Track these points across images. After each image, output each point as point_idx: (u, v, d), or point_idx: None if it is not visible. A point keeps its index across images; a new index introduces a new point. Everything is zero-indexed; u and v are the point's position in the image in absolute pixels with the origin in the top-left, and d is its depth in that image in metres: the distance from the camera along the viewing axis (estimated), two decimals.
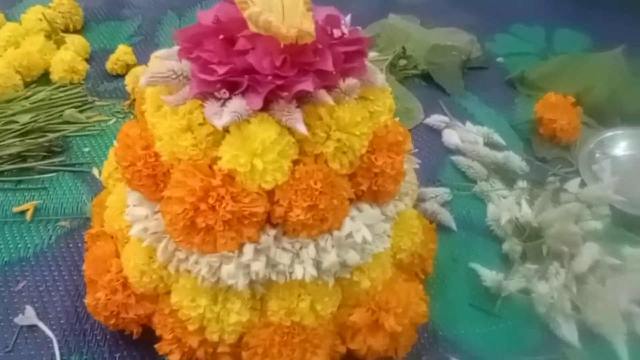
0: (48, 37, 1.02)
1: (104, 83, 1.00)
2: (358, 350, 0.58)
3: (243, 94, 0.50)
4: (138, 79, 0.93)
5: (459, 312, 0.70)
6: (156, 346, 0.58)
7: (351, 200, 0.55)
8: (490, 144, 0.92)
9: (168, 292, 0.57)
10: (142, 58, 1.04)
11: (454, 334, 0.68)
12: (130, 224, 0.58)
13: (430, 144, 0.94)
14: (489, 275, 0.71)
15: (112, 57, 1.01)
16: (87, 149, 0.86)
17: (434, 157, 0.91)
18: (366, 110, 0.54)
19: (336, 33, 0.54)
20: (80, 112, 0.92)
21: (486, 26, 1.26)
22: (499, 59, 1.17)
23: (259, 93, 0.49)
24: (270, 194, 0.51)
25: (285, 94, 0.49)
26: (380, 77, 0.56)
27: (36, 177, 0.81)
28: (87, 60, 1.03)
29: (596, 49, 1.18)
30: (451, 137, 0.93)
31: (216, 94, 0.50)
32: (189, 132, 0.51)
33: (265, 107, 0.51)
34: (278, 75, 0.49)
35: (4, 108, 0.88)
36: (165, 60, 0.55)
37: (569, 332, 0.67)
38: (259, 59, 0.49)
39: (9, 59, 0.94)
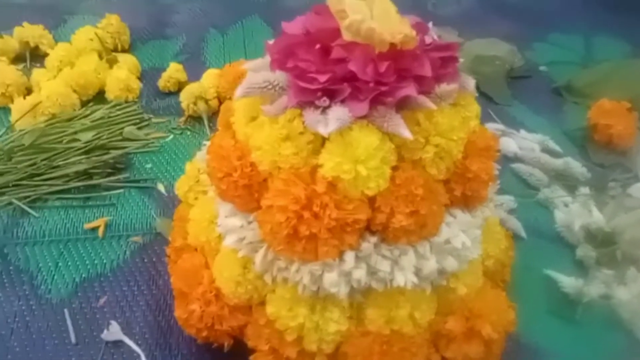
0: (100, 56, 1.04)
1: (156, 100, 1.01)
2: (454, 358, 0.58)
3: (342, 101, 0.50)
4: (192, 95, 0.95)
5: (538, 320, 0.69)
6: (250, 358, 0.57)
7: (445, 206, 0.55)
8: (547, 151, 0.92)
9: (262, 303, 0.57)
10: (191, 75, 1.05)
11: (535, 342, 0.67)
12: (221, 235, 0.58)
13: None
14: (568, 282, 0.71)
15: (164, 75, 1.02)
16: (149, 165, 0.87)
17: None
18: (460, 116, 0.54)
19: (427, 39, 0.54)
20: (139, 129, 0.92)
21: (524, 36, 1.27)
22: (542, 68, 1.18)
23: (361, 100, 0.49)
24: (370, 201, 0.51)
25: (389, 99, 0.49)
26: (471, 83, 0.56)
27: (104, 193, 0.81)
28: (139, 79, 1.04)
29: (636, 55, 1.19)
30: (509, 144, 0.93)
31: (317, 102, 0.50)
32: (289, 141, 0.51)
33: (364, 115, 0.51)
34: (380, 82, 0.49)
35: (65, 126, 0.89)
36: (257, 71, 0.56)
37: None
38: (361, 66, 0.49)
39: (65, 79, 0.95)
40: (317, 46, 0.52)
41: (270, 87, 0.53)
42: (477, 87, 1.06)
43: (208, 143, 0.66)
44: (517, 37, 1.25)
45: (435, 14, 1.40)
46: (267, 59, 0.57)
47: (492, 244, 0.62)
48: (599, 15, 1.32)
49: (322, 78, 0.50)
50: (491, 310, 0.57)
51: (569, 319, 0.69)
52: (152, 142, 0.91)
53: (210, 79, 0.97)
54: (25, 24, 1.08)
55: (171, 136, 0.93)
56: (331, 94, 0.51)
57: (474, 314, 0.57)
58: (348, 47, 0.51)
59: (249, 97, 0.54)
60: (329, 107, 0.50)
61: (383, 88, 0.49)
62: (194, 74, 1.03)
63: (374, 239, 0.52)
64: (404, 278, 0.52)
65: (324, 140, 0.51)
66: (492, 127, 0.96)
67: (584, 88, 1.08)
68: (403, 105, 0.52)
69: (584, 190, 0.85)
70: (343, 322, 0.54)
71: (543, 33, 1.30)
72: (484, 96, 1.08)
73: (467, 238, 0.54)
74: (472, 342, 0.57)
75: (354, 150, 0.49)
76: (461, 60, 0.56)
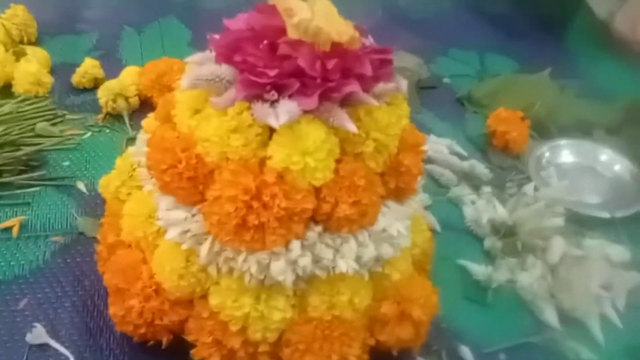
0: (5, 48, 0.96)
1: (70, 97, 0.96)
2: (386, 341, 0.62)
3: (290, 96, 0.53)
4: (112, 92, 0.92)
5: (456, 305, 0.75)
6: (192, 351, 0.57)
7: (381, 197, 0.59)
8: (454, 154, 1.01)
9: (204, 296, 0.57)
10: (108, 72, 1.01)
11: (455, 325, 0.73)
12: (160, 228, 0.57)
13: None
14: (478, 270, 0.78)
15: (79, 71, 0.98)
16: (66, 163, 0.82)
17: None
18: (395, 113, 0.59)
19: (366, 42, 0.58)
20: (53, 125, 0.87)
21: (427, 50, 1.38)
22: (445, 80, 1.28)
23: (309, 95, 0.52)
24: (316, 191, 0.54)
25: (335, 95, 0.52)
26: (404, 84, 0.61)
27: (17, 192, 0.76)
28: (50, 73, 0.98)
29: (522, 71, 1.34)
30: None
31: (265, 95, 0.52)
32: (238, 133, 0.52)
33: (310, 110, 0.53)
34: (327, 78, 0.52)
35: None
36: (201, 65, 0.56)
37: (550, 316, 0.75)
38: (309, 62, 0.52)
39: None
40: (265, 42, 0.54)
41: (217, 79, 0.54)
42: None
43: (142, 137, 0.65)
44: (421, 51, 1.34)
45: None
46: (209, 53, 0.58)
47: (418, 235, 0.67)
48: (491, 34, 1.47)
49: (272, 72, 0.52)
50: (419, 295, 0.62)
51: (481, 303, 0.76)
52: (69, 139, 0.86)
53: (129, 76, 0.95)
54: None
55: (89, 133, 0.89)
56: (280, 89, 0.53)
57: (405, 298, 0.61)
58: (294, 45, 0.53)
59: (193, 89, 0.55)
60: (277, 100, 0.52)
61: (330, 84, 0.52)
62: (110, 71, 1.00)
63: (318, 228, 0.55)
64: (345, 265, 0.55)
65: (271, 133, 0.53)
66: None
67: (482, 99, 1.19)
68: (346, 102, 0.55)
69: (487, 189, 0.93)
70: (287, 310, 0.56)
71: (444, 48, 1.41)
72: None
73: (402, 227, 0.59)
74: (404, 325, 0.61)
75: (303, 143, 0.52)
76: None
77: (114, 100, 0.91)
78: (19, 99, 0.90)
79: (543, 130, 1.10)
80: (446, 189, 0.94)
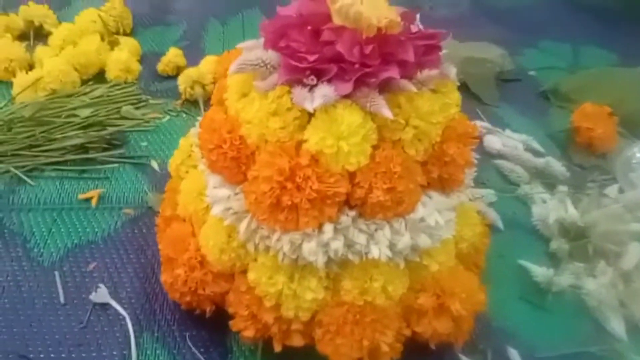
0: (102, 38, 1.06)
1: (155, 83, 1.04)
2: (423, 332, 0.61)
3: (329, 81, 0.53)
4: (190, 80, 0.98)
5: (510, 305, 0.72)
6: (230, 322, 0.60)
7: (422, 187, 0.58)
8: (530, 151, 0.96)
9: (244, 271, 0.60)
10: (190, 61, 1.08)
11: (507, 325, 0.70)
12: (208, 205, 0.61)
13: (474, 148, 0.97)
14: (539, 271, 0.74)
15: (164, 59, 1.05)
16: (144, 144, 0.90)
17: (477, 160, 0.94)
18: (440, 101, 0.57)
19: (413, 28, 0.57)
20: (136, 109, 0.95)
21: (515, 41, 1.31)
22: (531, 72, 1.22)
23: (347, 80, 0.53)
24: (350, 176, 0.54)
25: (372, 80, 0.52)
26: (452, 71, 0.59)
27: (98, 167, 0.84)
28: (139, 62, 1.07)
29: (621, 64, 1.23)
30: (493, 142, 0.96)
31: (305, 80, 0.53)
32: (277, 116, 0.54)
33: (349, 95, 0.54)
34: (365, 64, 0.52)
35: (64, 102, 0.91)
36: (251, 50, 0.58)
37: (617, 326, 0.70)
38: (347, 47, 0.52)
39: (67, 57, 0.98)
40: (309, 28, 0.55)
41: (262, 64, 0.56)
42: (467, 88, 1.13)
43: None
44: (508, 43, 1.28)
45: (431, 16, 1.43)
46: (261, 40, 0.60)
47: (466, 228, 0.65)
48: (587, 25, 1.36)
49: (311, 57, 0.53)
50: (461, 289, 0.60)
51: (539, 306, 0.72)
52: (148, 122, 0.93)
53: (208, 65, 1.00)
54: (30, 3, 1.11)
55: (167, 117, 0.96)
56: (319, 74, 0.54)
57: (444, 291, 0.60)
58: (337, 31, 0.54)
59: (241, 73, 0.58)
60: (316, 85, 0.53)
61: (367, 69, 0.52)
62: (193, 60, 1.06)
63: (352, 213, 0.55)
64: (378, 251, 0.55)
65: (310, 117, 0.54)
66: (479, 124, 1.00)
67: (569, 93, 1.12)
68: (386, 88, 0.55)
69: (563, 188, 0.88)
70: (319, 291, 0.57)
71: (533, 40, 1.34)
72: (473, 96, 1.12)
73: (441, 218, 0.57)
74: (442, 318, 0.60)
75: (338, 127, 0.52)
76: (446, 55, 0.59)
77: (192, 87, 0.98)
78: (110, 84, 0.99)
79: (635, 128, 1.01)
80: (515, 186, 0.90)
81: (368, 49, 0.52)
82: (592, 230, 0.78)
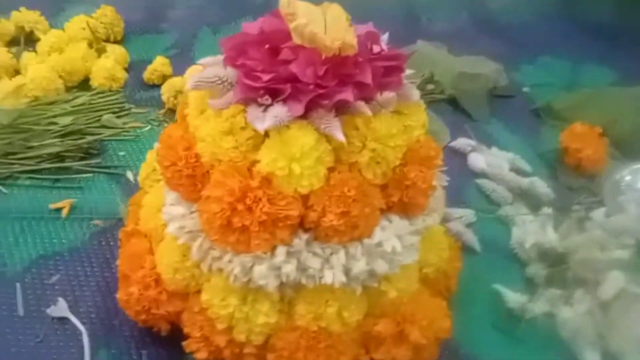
0: (90, 45, 1.07)
1: (140, 92, 1.04)
2: None
3: (285, 101, 0.52)
4: (174, 89, 0.98)
5: (480, 333, 0.70)
6: (183, 343, 0.59)
7: (382, 211, 0.57)
8: (516, 170, 0.93)
9: (199, 291, 0.59)
10: (178, 70, 1.07)
11: (475, 354, 0.68)
12: (166, 222, 0.60)
13: (456, 166, 0.95)
14: (512, 297, 0.72)
15: (150, 68, 1.05)
16: (122, 153, 0.89)
17: (459, 179, 0.92)
18: (401, 124, 0.56)
19: (375, 49, 0.56)
20: (118, 117, 0.95)
21: (513, 56, 1.29)
22: (525, 89, 1.19)
23: (301, 101, 0.51)
24: (304, 198, 0.53)
25: (325, 102, 0.51)
26: (415, 93, 0.57)
27: (73, 176, 0.83)
28: (126, 70, 1.07)
29: (621, 84, 1.20)
30: (477, 160, 0.94)
31: (259, 99, 0.52)
32: (230, 135, 0.53)
33: (305, 116, 0.53)
34: (320, 85, 0.51)
35: (45, 110, 0.91)
36: (211, 66, 0.58)
37: (592, 358, 0.67)
38: (302, 68, 0.51)
39: (52, 64, 0.98)
40: (266, 46, 0.54)
41: (219, 82, 0.55)
42: (457, 103, 1.11)
43: None
44: (505, 58, 1.26)
45: (428, 28, 1.42)
46: (222, 56, 0.59)
47: (432, 253, 0.63)
48: (588, 43, 1.33)
49: (266, 77, 0.52)
50: (423, 315, 0.58)
51: (511, 334, 0.70)
52: (128, 131, 0.93)
53: (193, 74, 1.00)
54: (22, 8, 1.11)
55: (149, 127, 0.95)
56: (274, 93, 0.52)
57: (404, 318, 0.58)
58: (296, 50, 0.53)
59: (199, 90, 0.57)
60: (271, 105, 0.52)
61: (321, 91, 0.51)
62: (181, 69, 1.05)
63: (305, 236, 0.54)
64: (332, 276, 0.54)
65: (265, 137, 0.53)
66: (463, 142, 0.98)
67: (562, 111, 1.09)
68: (344, 110, 0.54)
69: (546, 210, 0.85)
70: (272, 314, 0.56)
71: (532, 56, 1.32)
72: (462, 112, 1.10)
73: (399, 243, 0.56)
74: (401, 345, 0.58)
75: (290, 148, 0.51)
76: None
77: (175, 97, 0.97)
78: (94, 91, 0.99)
79: (627, 150, 0.98)
80: (497, 207, 0.87)
81: (322, 70, 0.51)
82: (572, 256, 0.76)
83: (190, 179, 0.56)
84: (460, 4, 1.51)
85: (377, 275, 0.56)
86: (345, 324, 0.57)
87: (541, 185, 0.89)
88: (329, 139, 0.53)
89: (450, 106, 1.11)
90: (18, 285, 0.67)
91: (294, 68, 0.51)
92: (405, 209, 0.58)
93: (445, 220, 0.81)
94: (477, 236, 0.81)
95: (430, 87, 1.12)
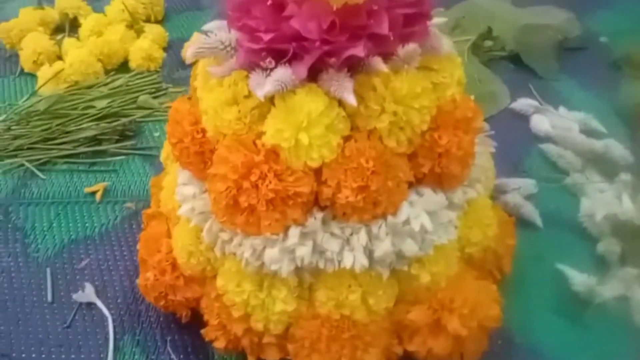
0: (130, 27, 1.05)
1: (179, 71, 1.01)
2: (416, 352, 0.52)
3: (289, 63, 0.46)
4: None
5: (541, 319, 0.61)
6: (202, 331, 0.56)
7: (411, 184, 0.49)
8: (588, 131, 0.81)
9: (215, 276, 0.55)
10: None
11: (534, 343, 0.59)
12: (180, 203, 0.56)
13: (517, 130, 0.84)
14: (579, 279, 0.62)
15: (187, 46, 1.02)
16: (157, 134, 0.87)
17: (520, 145, 0.82)
18: (428, 81, 0.48)
19: None
20: (155, 98, 0.93)
21: (587, 2, 1.13)
22: (602, 39, 1.04)
23: (305, 61, 0.45)
24: (317, 172, 0.47)
25: (332, 60, 0.44)
26: (445, 44, 0.49)
27: (108, 159, 0.82)
28: (165, 49, 1.05)
29: None
30: (541, 123, 0.83)
31: (262, 63, 0.46)
32: (234, 105, 0.48)
33: (315, 78, 0.46)
34: (326, 40, 0.44)
35: (84, 93, 0.91)
36: (215, 31, 0.52)
37: None
38: (304, 22, 0.44)
39: (91, 47, 0.98)
40: (269, 2, 0.48)
41: (222, 47, 0.50)
42: (520, 59, 0.99)
43: None
44: (578, 4, 1.11)
45: None
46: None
47: (476, 230, 0.55)
48: None
49: (266, 37, 0.46)
50: (463, 302, 0.51)
51: (576, 321, 0.60)
52: (165, 111, 0.90)
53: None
54: None
55: None
56: (279, 55, 0.46)
57: (442, 305, 0.51)
58: (302, 3, 0.46)
59: (199, 59, 0.52)
60: (275, 68, 0.46)
61: (326, 47, 0.44)
62: None
63: (321, 215, 0.48)
64: (352, 259, 0.48)
65: (271, 105, 0.47)
66: (525, 103, 0.87)
67: None
68: (360, 69, 0.47)
69: (625, 176, 0.73)
70: (290, 301, 0.51)
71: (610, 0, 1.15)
72: (526, 69, 0.98)
73: (430, 220, 0.48)
74: (439, 336, 0.51)
75: (296, 116, 0.45)
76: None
77: None
78: (132, 73, 0.97)
79: None
80: (564, 175, 0.76)
81: (326, 23, 0.44)
82: None
83: (199, 156, 0.52)
84: None
85: (406, 257, 0.49)
86: (371, 311, 0.50)
87: (618, 148, 0.77)
88: (343, 103, 0.46)
89: (512, 63, 0.99)
90: (48, 270, 0.67)
91: (295, 23, 0.45)
92: (440, 181, 0.50)
93: (500, 191, 0.72)
94: (538, 209, 0.71)
95: (488, 43, 1.01)
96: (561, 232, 0.69)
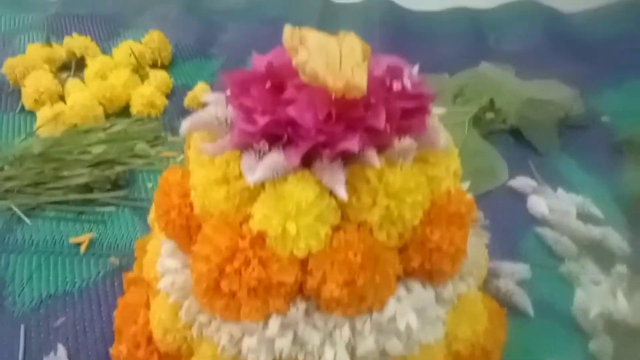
0: (135, 71, 1.06)
1: (179, 119, 1.01)
2: None
3: (284, 148, 0.45)
4: None
5: None
6: None
7: (400, 277, 0.48)
8: (585, 217, 0.80)
9: (192, 355, 0.52)
10: None
11: None
12: (160, 274, 0.54)
13: (513, 210, 0.83)
14: None
15: (190, 94, 1.02)
16: (150, 185, 0.86)
17: (516, 225, 0.80)
18: (423, 175, 0.47)
19: (396, 86, 0.47)
20: (152, 146, 0.92)
21: (593, 80, 1.14)
22: (604, 118, 1.04)
23: (299, 149, 0.44)
24: (304, 261, 0.45)
25: (326, 151, 0.43)
26: (443, 138, 0.48)
27: (97, 209, 0.81)
28: (168, 96, 1.05)
29: None
30: (538, 204, 0.82)
31: (255, 146, 0.45)
32: (223, 185, 0.46)
33: (308, 165, 0.45)
34: (321, 130, 0.43)
35: (81, 138, 0.90)
36: (215, 104, 0.52)
37: None
38: (301, 110, 0.44)
39: (94, 91, 0.98)
40: (268, 84, 0.47)
41: (217, 123, 0.49)
42: (521, 134, 0.99)
43: None
44: (585, 82, 1.12)
45: (495, 49, 1.30)
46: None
47: (465, 326, 0.53)
48: None
49: (263, 120, 0.45)
50: None
51: None
52: (160, 161, 0.90)
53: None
54: (74, 34, 1.13)
55: (181, 156, 0.92)
56: (274, 139, 0.46)
57: None
58: (301, 89, 0.46)
59: (193, 132, 0.51)
60: (268, 152, 0.45)
61: (322, 138, 0.43)
62: None
63: (303, 305, 0.46)
64: (332, 354, 0.46)
65: (261, 189, 0.46)
66: (523, 181, 0.86)
67: None
68: (354, 160, 0.46)
69: (621, 269, 0.72)
70: None
71: (618, 78, 1.16)
72: (527, 145, 0.97)
73: (417, 319, 0.46)
74: None
75: (285, 204, 0.44)
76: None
77: None
78: (133, 119, 0.97)
79: None
80: (559, 261, 0.75)
81: (322, 114, 0.43)
82: None
83: (184, 231, 0.50)
84: (535, 20, 1.38)
85: (389, 356, 0.47)
86: None
87: (615, 238, 0.76)
88: (335, 193, 0.45)
89: (513, 138, 0.99)
90: (22, 327, 0.64)
91: (291, 111, 0.44)
92: (430, 276, 0.49)
93: (492, 275, 0.70)
94: (531, 297, 0.69)
95: (489, 115, 1.01)
96: (553, 325, 0.67)
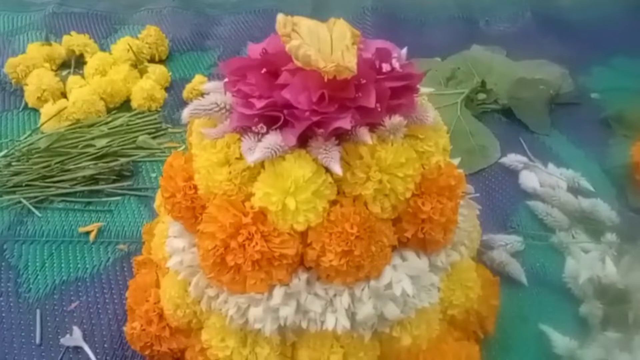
0: (134, 66, 1.08)
1: (179, 111, 1.03)
2: None
3: (281, 129, 0.48)
4: None
5: None
6: None
7: (395, 247, 0.51)
8: (575, 190, 0.83)
9: (201, 328, 0.56)
10: None
11: None
12: (169, 254, 0.57)
13: (505, 185, 0.86)
14: (561, 342, 0.63)
15: (188, 87, 1.05)
16: (154, 175, 0.89)
17: (508, 200, 0.83)
18: (413, 150, 0.50)
19: (385, 67, 0.50)
20: (154, 138, 0.95)
21: (582, 58, 1.17)
22: (593, 95, 1.07)
23: (295, 129, 0.47)
24: (304, 235, 0.48)
25: (321, 130, 0.46)
26: (431, 115, 0.51)
27: (104, 199, 0.84)
28: (167, 89, 1.08)
29: None
30: (529, 179, 0.85)
31: (254, 128, 0.48)
32: (225, 166, 0.49)
33: (304, 144, 0.48)
34: (315, 111, 0.46)
35: (84, 132, 0.93)
36: (213, 92, 0.54)
37: None
38: (295, 93, 0.47)
39: (94, 86, 1.00)
40: (264, 70, 0.50)
41: (217, 109, 0.52)
42: (512, 113, 1.01)
43: None
44: (573, 60, 1.14)
45: (486, 32, 1.32)
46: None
47: (459, 293, 0.56)
48: None
49: (260, 104, 0.48)
50: None
51: None
52: (163, 152, 0.92)
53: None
54: (73, 32, 1.15)
55: (183, 146, 0.95)
56: (271, 121, 0.48)
57: None
58: (294, 73, 0.48)
59: (196, 118, 0.54)
60: (265, 134, 0.48)
61: (316, 118, 0.46)
62: None
63: (305, 276, 0.49)
64: (334, 321, 0.49)
65: (261, 168, 0.49)
66: (514, 158, 0.89)
67: (637, 120, 0.96)
68: (348, 138, 0.49)
69: (611, 237, 0.75)
70: (273, 359, 0.51)
71: (605, 56, 1.18)
72: (518, 123, 1.00)
73: (412, 285, 0.49)
74: None
75: (284, 182, 0.47)
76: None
77: None
78: (133, 112, 0.99)
79: None
80: (551, 232, 0.78)
81: (316, 95, 0.46)
82: (635, 295, 0.65)
83: (190, 211, 0.53)
84: (524, 2, 1.40)
85: (388, 320, 0.50)
86: None
87: (604, 208, 0.78)
88: (330, 170, 0.48)
89: (505, 117, 1.02)
90: (38, 311, 0.68)
91: (286, 93, 0.47)
92: (423, 245, 0.52)
93: (487, 247, 0.73)
94: (524, 267, 0.72)
95: (481, 96, 1.04)
96: (546, 292, 0.70)
